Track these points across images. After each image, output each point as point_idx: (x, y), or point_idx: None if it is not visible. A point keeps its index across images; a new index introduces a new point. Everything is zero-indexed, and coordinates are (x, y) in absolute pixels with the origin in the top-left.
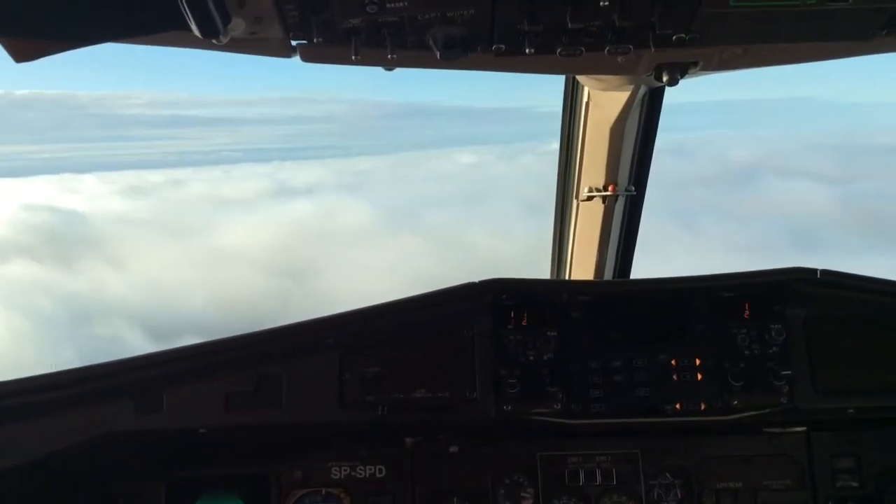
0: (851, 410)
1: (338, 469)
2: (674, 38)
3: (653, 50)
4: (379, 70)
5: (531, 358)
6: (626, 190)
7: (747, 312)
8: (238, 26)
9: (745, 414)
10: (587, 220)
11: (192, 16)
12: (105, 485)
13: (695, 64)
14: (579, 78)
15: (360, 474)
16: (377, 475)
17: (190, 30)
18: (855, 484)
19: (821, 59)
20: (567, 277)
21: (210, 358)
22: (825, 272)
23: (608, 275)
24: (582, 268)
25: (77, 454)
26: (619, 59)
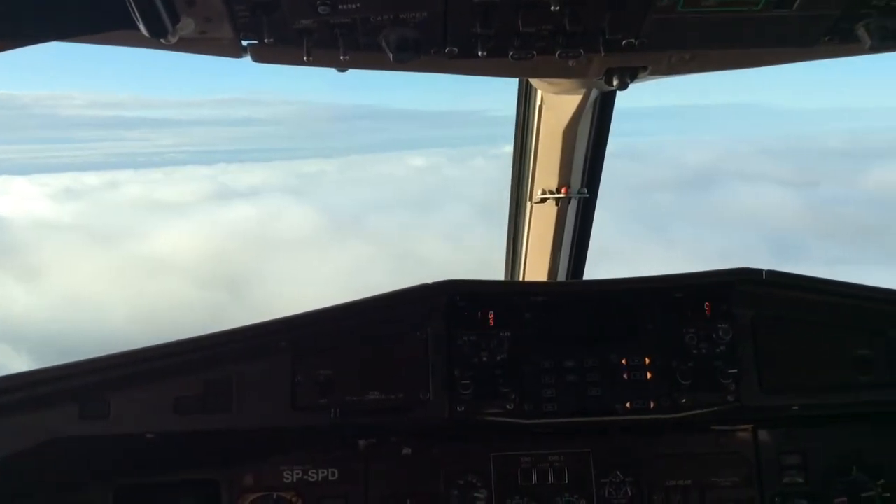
0: (796, 408)
1: (290, 473)
2: (623, 42)
3: (603, 54)
4: (330, 71)
5: (484, 359)
6: (579, 192)
7: (696, 312)
8: (187, 26)
9: (694, 412)
10: (541, 221)
11: (140, 15)
12: (49, 493)
13: (644, 68)
14: (532, 81)
15: (313, 478)
16: (330, 478)
17: (138, 29)
18: (801, 480)
19: (767, 65)
20: (521, 279)
21: (158, 362)
22: (770, 272)
23: (562, 276)
24: (536, 269)
25: (20, 462)
26: (571, 62)
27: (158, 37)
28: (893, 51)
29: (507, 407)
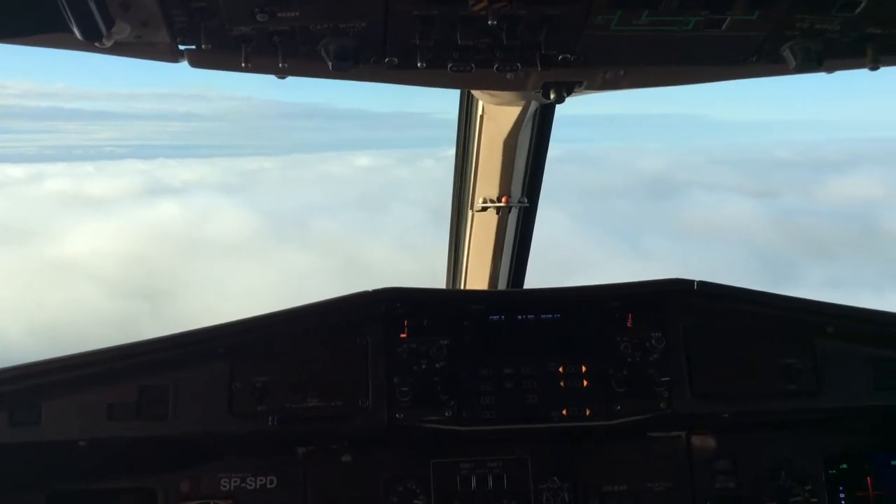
0: (727, 415)
1: (227, 480)
2: (559, 58)
3: (539, 69)
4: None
5: (423, 366)
6: (519, 202)
7: (630, 321)
8: (122, 30)
9: (628, 419)
10: (482, 230)
11: (74, 19)
12: None
13: (580, 83)
14: (474, 92)
15: (251, 485)
16: (268, 486)
17: (72, 32)
18: (733, 485)
19: (697, 82)
20: (462, 287)
21: (92, 368)
22: (702, 283)
23: (502, 285)
24: (477, 277)
25: None
26: (508, 76)
27: (93, 40)
28: (817, 71)
29: (446, 414)
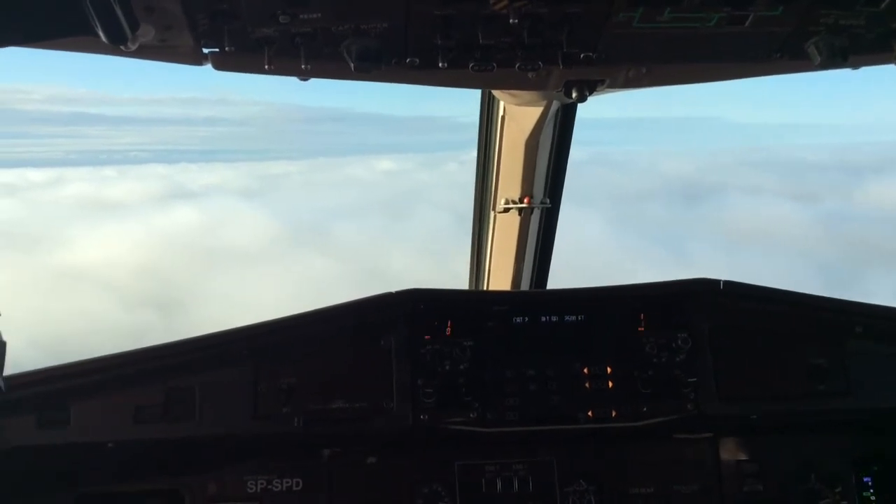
0: (755, 416)
1: (253, 482)
2: (581, 56)
3: (561, 67)
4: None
5: (447, 367)
6: (542, 202)
7: (655, 322)
8: (147, 33)
9: (654, 420)
10: (504, 231)
11: (100, 22)
12: (9, 503)
13: (602, 82)
14: (495, 92)
15: (277, 487)
16: (294, 488)
17: (97, 35)
18: (760, 488)
19: (720, 79)
20: (485, 288)
21: (119, 370)
22: (728, 283)
23: (525, 285)
24: (499, 278)
25: None
26: (530, 75)
27: (118, 44)
28: (842, 67)
29: (470, 415)
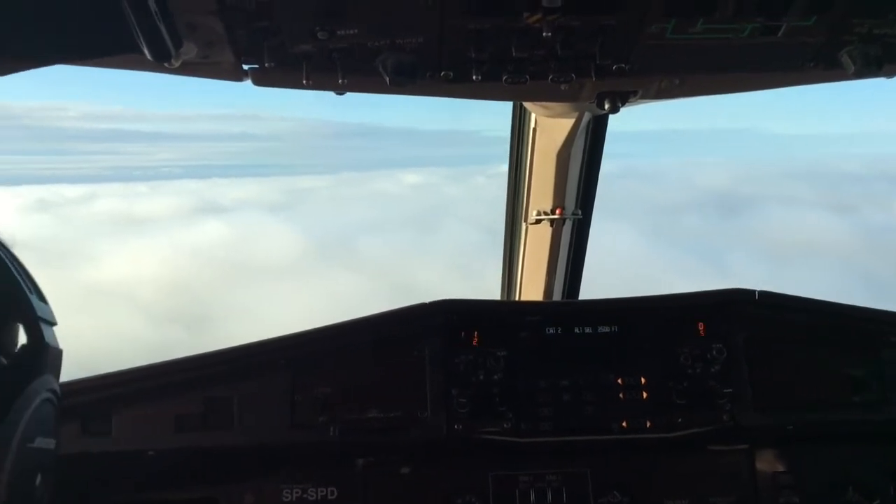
0: (791, 427)
1: (289, 491)
2: (614, 67)
3: (594, 79)
4: (327, 92)
5: (481, 378)
6: (573, 214)
7: (690, 332)
8: (190, 50)
9: (689, 431)
10: (536, 242)
11: (145, 40)
12: None
13: (634, 93)
14: (526, 105)
15: (312, 496)
16: (329, 497)
17: (142, 53)
18: (797, 500)
19: (754, 89)
20: (517, 299)
21: (160, 380)
22: (763, 293)
23: (557, 296)
24: (531, 289)
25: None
26: (563, 86)
27: (162, 61)
28: (876, 76)
29: (504, 425)
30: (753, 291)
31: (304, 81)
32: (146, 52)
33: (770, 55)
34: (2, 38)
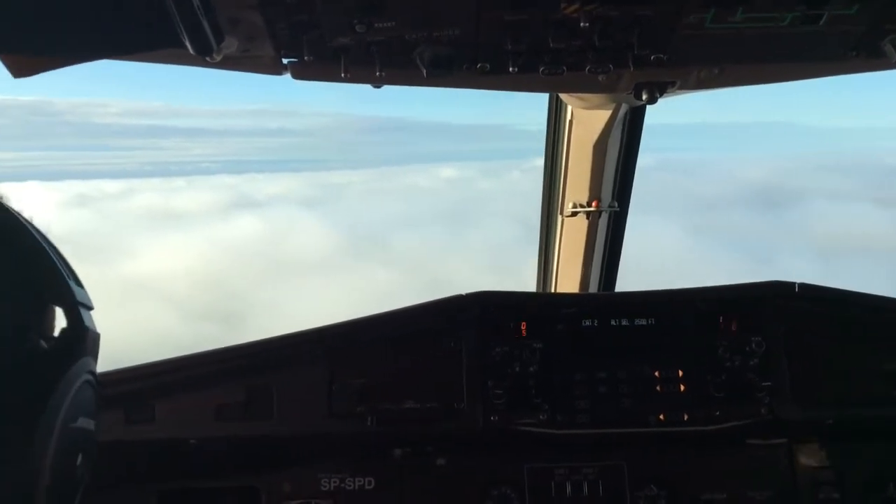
0: (831, 421)
1: (327, 481)
2: (652, 57)
3: (632, 69)
4: (363, 85)
5: (517, 369)
6: (610, 206)
7: (728, 325)
8: (231, 45)
9: (728, 424)
10: (572, 234)
11: (188, 34)
12: (91, 497)
13: (673, 83)
14: (562, 96)
15: (350, 486)
16: (366, 487)
17: (185, 48)
18: (837, 495)
19: (795, 79)
20: (553, 291)
21: (201, 369)
22: (803, 286)
23: (593, 288)
24: (567, 281)
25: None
26: (600, 77)
27: (204, 55)
28: None
29: (540, 417)
30: (793, 284)
31: (343, 74)
32: (189, 46)
33: (811, 44)
34: (48, 34)
